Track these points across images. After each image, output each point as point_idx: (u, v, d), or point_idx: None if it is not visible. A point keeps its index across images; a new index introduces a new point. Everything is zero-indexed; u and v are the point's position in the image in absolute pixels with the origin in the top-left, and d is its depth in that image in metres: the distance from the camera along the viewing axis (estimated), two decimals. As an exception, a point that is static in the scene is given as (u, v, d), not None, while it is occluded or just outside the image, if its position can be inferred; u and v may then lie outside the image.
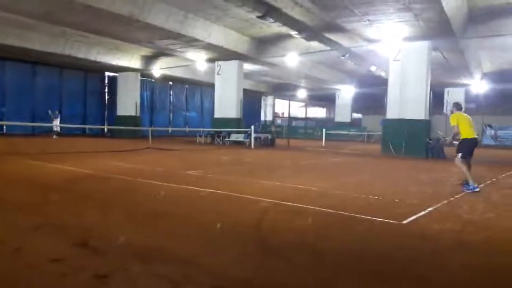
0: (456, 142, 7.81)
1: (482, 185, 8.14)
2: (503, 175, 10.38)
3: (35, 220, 4.40)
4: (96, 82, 29.74)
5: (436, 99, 26.35)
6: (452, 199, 6.47)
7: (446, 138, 8.46)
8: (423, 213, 5.33)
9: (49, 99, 26.30)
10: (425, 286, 3.04)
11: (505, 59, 22.98)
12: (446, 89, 31.21)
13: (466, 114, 7.86)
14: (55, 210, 5.07)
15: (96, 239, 3.77)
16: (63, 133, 24.15)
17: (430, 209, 5.59)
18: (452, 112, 7.89)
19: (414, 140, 15.88)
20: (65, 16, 14.81)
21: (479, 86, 27.91)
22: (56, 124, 22.77)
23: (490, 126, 30.17)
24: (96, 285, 2.77)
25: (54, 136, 22.70)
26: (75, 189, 6.71)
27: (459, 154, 7.51)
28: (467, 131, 7.58)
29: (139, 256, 3.35)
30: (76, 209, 5.08)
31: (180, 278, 2.93)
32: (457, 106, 8.00)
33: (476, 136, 7.76)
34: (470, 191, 7.14)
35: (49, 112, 23.05)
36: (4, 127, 23.97)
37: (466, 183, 7.37)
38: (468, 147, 7.60)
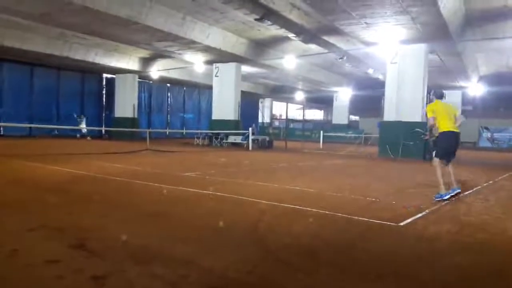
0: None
1: (479, 187, 8.17)
2: (500, 178, 10.42)
3: (32, 222, 4.39)
4: (94, 83, 29.73)
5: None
6: (448, 201, 6.48)
7: (426, 133, 7.02)
8: (420, 215, 5.35)
9: (47, 101, 26.33)
10: (420, 287, 3.05)
11: (501, 62, 23.10)
12: (443, 92, 31.29)
13: (446, 103, 6.58)
14: (52, 211, 5.06)
15: (93, 240, 3.77)
16: (88, 134, 25.51)
17: (427, 211, 5.61)
18: (430, 102, 6.59)
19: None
20: (63, 17, 14.79)
21: (476, 88, 28.03)
22: (83, 127, 24.21)
23: (486, 129, 30.30)
24: (93, 287, 2.77)
25: (88, 138, 24.38)
26: (72, 190, 6.70)
27: (434, 153, 6.35)
28: (444, 123, 6.23)
29: (137, 257, 3.35)
30: (73, 211, 5.08)
31: (177, 279, 2.94)
32: (437, 93, 6.66)
33: (454, 130, 6.27)
34: (440, 198, 6.19)
35: (75, 115, 24.62)
36: (1, 129, 23.91)
37: (440, 193, 6.23)
38: (446, 143, 6.29)
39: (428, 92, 6.77)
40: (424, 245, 4.10)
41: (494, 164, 15.45)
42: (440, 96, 6.59)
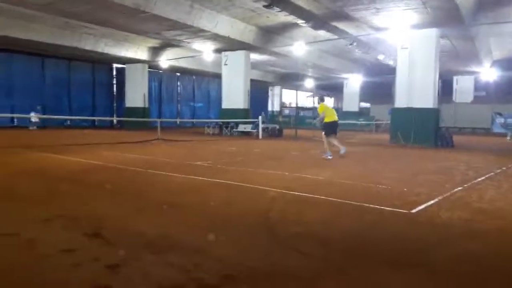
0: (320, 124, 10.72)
1: (492, 173, 8.09)
2: (513, 164, 10.30)
3: (47, 212, 4.47)
4: (104, 73, 29.96)
5: (445, 87, 26.11)
6: (461, 187, 6.45)
7: (316, 121, 11.33)
8: (432, 202, 5.33)
9: (58, 92, 26.63)
10: (433, 273, 3.05)
11: (515, 46, 22.65)
12: (455, 77, 30.84)
13: (328, 104, 11.20)
14: (67, 201, 5.15)
15: (107, 229, 3.83)
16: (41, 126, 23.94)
17: (439, 198, 5.58)
18: (319, 103, 10.71)
19: (423, 129, 15.79)
20: (68, 6, 14.77)
21: (488, 73, 27.57)
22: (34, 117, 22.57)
23: (500, 114, 29.85)
24: (108, 275, 2.82)
25: (31, 128, 22.81)
26: (86, 180, 6.79)
27: (323, 132, 10.53)
28: (329, 116, 10.39)
29: (151, 246, 3.40)
30: (87, 200, 5.15)
31: (191, 266, 2.97)
32: (322, 99, 10.85)
33: (336, 119, 10.54)
34: (326, 157, 10.07)
35: (38, 107, 23.33)
36: (15, 120, 24.26)
37: (326, 152, 10.24)
38: (330, 128, 10.45)
39: (320, 98, 10.92)
40: (437, 232, 4.09)
41: (508, 150, 15.26)
42: (322, 100, 10.74)
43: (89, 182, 6.63)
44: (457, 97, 30.97)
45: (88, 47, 22.24)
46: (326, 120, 10.36)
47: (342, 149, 10.39)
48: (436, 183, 6.88)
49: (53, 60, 26.00)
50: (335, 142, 10.58)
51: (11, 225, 4.01)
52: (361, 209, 4.96)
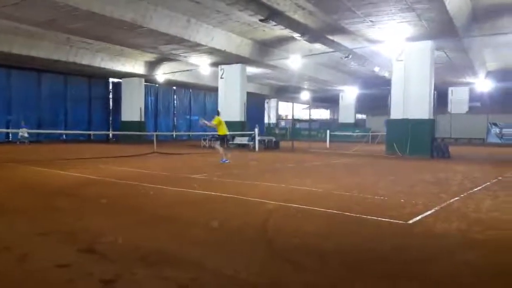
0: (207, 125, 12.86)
1: (488, 183, 8.11)
2: (509, 174, 10.32)
3: (41, 226, 4.43)
4: (101, 88, 29.99)
5: (440, 98, 26.28)
6: (457, 198, 6.44)
7: (202, 122, 12.97)
8: (428, 212, 5.32)
9: (55, 106, 26.63)
10: (431, 285, 3.03)
11: (509, 57, 22.89)
12: (450, 88, 31.14)
13: (222, 119, 12.78)
14: (61, 216, 5.10)
15: (102, 244, 3.79)
16: (31, 140, 22.86)
17: (435, 208, 5.57)
18: (217, 115, 13.01)
19: (419, 140, 15.84)
20: (69, 23, 14.89)
21: (483, 84, 27.81)
22: (23, 131, 21.58)
23: (495, 125, 30.04)
24: (103, 290, 2.78)
25: (19, 143, 21.89)
26: (81, 194, 6.75)
27: (218, 142, 12.81)
28: (222, 130, 12.51)
29: (146, 260, 3.37)
30: (82, 215, 5.11)
31: (188, 281, 2.94)
32: (218, 113, 13.54)
33: (226, 133, 12.81)
34: (223, 162, 12.01)
35: (22, 122, 22.43)
36: (10, 135, 24.21)
37: (222, 158, 12.17)
38: (222, 139, 12.69)
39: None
40: (434, 243, 4.07)
41: (503, 160, 15.30)
42: (218, 114, 13.14)
43: (85, 196, 6.59)
44: (452, 108, 31.23)
45: (85, 61, 22.30)
46: (220, 133, 12.56)
47: (223, 159, 12.28)
48: (433, 194, 6.88)
49: (49, 75, 26.04)
50: (220, 150, 12.66)
51: (5, 239, 3.96)
52: (358, 220, 4.94)
